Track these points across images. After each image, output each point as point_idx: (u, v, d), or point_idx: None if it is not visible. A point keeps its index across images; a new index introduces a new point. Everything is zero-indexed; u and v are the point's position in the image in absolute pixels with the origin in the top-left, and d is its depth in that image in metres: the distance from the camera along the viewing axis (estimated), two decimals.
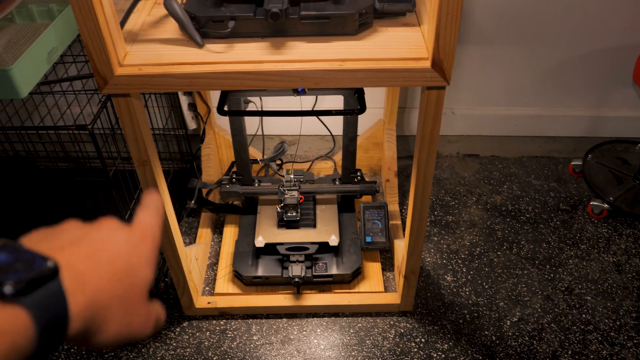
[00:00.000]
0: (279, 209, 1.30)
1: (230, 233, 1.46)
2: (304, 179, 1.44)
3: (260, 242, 1.28)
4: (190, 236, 1.50)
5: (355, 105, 1.18)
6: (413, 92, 1.59)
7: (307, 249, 1.27)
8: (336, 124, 1.61)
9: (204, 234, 1.47)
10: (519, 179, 1.65)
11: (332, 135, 1.64)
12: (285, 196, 1.30)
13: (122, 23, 0.93)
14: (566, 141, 1.67)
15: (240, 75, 0.85)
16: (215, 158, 1.60)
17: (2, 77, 1.00)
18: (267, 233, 1.31)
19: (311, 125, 1.62)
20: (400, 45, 0.89)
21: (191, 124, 1.55)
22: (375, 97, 1.56)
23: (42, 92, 1.28)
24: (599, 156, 1.63)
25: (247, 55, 0.87)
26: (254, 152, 1.59)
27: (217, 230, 1.51)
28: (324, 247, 1.29)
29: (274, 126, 1.63)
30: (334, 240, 1.28)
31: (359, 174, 1.39)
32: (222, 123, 1.59)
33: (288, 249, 1.27)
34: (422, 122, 0.93)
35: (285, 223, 1.34)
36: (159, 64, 0.86)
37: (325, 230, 1.32)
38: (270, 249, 1.29)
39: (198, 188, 1.40)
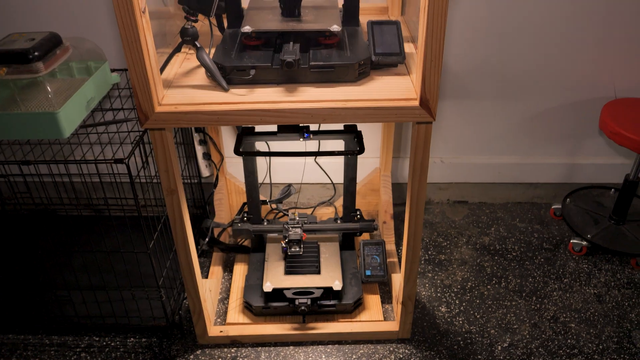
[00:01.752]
0: (283, 244, 1.43)
1: (240, 270, 1.58)
2: (307, 220, 1.58)
3: (268, 287, 1.39)
4: (203, 274, 1.61)
5: (355, 147, 1.34)
6: (406, 143, 1.76)
7: (312, 292, 1.38)
8: (336, 172, 1.77)
9: (215, 271, 1.58)
10: (505, 222, 1.79)
11: (332, 183, 1.80)
12: (290, 232, 1.43)
13: (161, 70, 1.10)
14: (547, 187, 1.83)
15: (260, 112, 1.01)
16: (227, 203, 1.74)
17: (51, 119, 1.16)
18: (275, 279, 1.42)
19: (313, 174, 1.78)
20: (393, 89, 1.06)
21: (205, 172, 1.71)
22: (372, 147, 1.73)
23: (82, 133, 1.44)
24: (577, 200, 1.79)
25: (266, 97, 1.04)
26: (263, 197, 1.74)
27: (227, 269, 1.63)
28: (328, 290, 1.40)
29: (280, 174, 1.78)
30: (337, 285, 1.38)
31: (358, 213, 1.53)
32: (234, 171, 1.75)
33: (295, 293, 1.38)
34: (414, 153, 1.09)
35: (291, 269, 1.45)
36: (191, 104, 1.02)
37: (330, 276, 1.43)
38: (277, 293, 1.40)
39: (211, 228, 1.54)
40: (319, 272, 1.45)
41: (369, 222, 1.51)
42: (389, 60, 1.11)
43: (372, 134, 1.71)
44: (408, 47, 1.21)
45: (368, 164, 1.75)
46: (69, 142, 1.61)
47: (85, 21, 1.53)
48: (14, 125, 1.20)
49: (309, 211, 1.78)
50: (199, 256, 1.68)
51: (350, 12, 1.23)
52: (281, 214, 1.74)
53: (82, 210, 1.67)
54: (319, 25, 1.09)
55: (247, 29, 1.07)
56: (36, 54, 1.20)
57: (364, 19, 1.39)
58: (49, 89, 1.22)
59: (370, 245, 1.50)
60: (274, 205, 1.73)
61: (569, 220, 1.73)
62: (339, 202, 1.78)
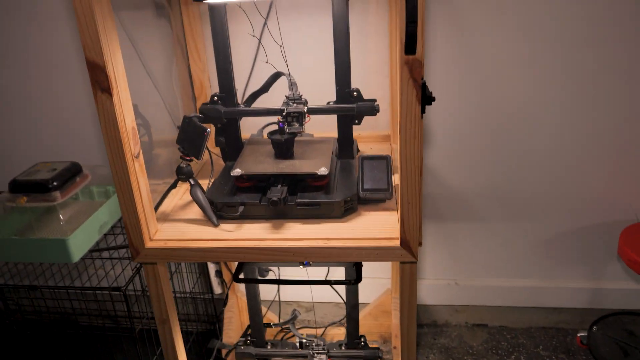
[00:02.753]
0: None
1: None
2: (315, 343, 1.55)
3: None
4: None
5: (353, 276, 1.33)
6: (418, 262, 1.73)
7: None
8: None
9: None
10: (527, 349, 1.69)
11: (345, 302, 1.77)
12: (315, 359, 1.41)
13: (157, 207, 1.17)
14: (572, 312, 1.73)
15: (244, 250, 1.04)
16: (237, 321, 1.74)
17: (60, 245, 1.23)
18: None
19: (325, 292, 1.76)
20: (378, 226, 1.07)
21: (217, 289, 1.73)
22: (383, 268, 1.71)
23: (89, 257, 1.51)
24: (605, 327, 1.67)
25: (251, 234, 1.07)
26: (272, 316, 1.73)
27: None
28: None
29: (291, 293, 1.78)
30: None
31: (362, 340, 1.49)
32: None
33: None
34: (401, 292, 1.07)
35: None
36: (181, 240, 1.07)
37: None
38: None
39: (217, 348, 1.53)
40: None
41: (374, 350, 1.47)
42: (376, 196, 1.12)
43: None
44: None
45: (380, 284, 1.73)
46: (76, 267, 1.67)
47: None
48: (28, 249, 1.28)
49: (319, 331, 1.75)
50: None
51: (344, 146, 1.27)
52: (289, 334, 1.71)
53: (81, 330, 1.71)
54: (307, 168, 1.13)
55: (237, 172, 1.12)
56: (55, 183, 1.30)
57: (366, 147, 1.44)
58: (61, 217, 1.31)
59: None
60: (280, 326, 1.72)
61: (596, 351, 1.61)
62: None
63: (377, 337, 1.76)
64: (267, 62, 1.20)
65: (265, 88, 1.25)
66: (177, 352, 1.19)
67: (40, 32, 1.51)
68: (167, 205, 1.20)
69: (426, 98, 0.88)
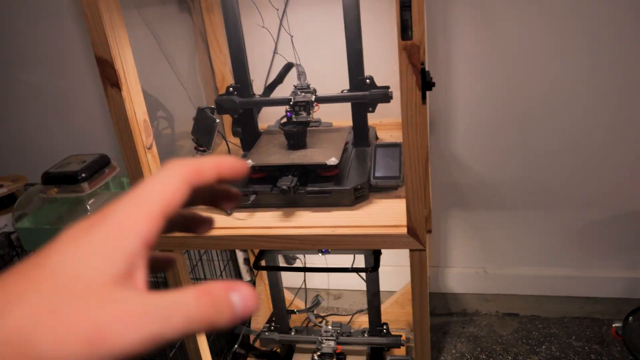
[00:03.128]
0: (316, 357, 1.42)
1: None
2: (340, 330, 1.56)
3: None
4: None
5: (371, 263, 1.33)
6: (445, 251, 1.71)
7: None
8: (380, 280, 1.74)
9: None
10: (559, 339, 1.64)
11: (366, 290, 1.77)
12: (323, 345, 1.43)
13: None
14: (608, 302, 1.66)
15: (254, 238, 1.05)
16: (265, 307, 1.77)
17: None
18: None
19: (353, 280, 1.77)
20: (387, 214, 1.06)
21: (245, 276, 1.77)
22: (401, 257, 1.70)
23: None
24: None
25: (262, 222, 1.08)
26: (299, 303, 1.75)
27: None
28: None
29: (319, 281, 1.80)
30: None
31: (385, 327, 1.49)
32: None
33: None
34: (412, 280, 1.07)
35: None
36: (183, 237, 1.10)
37: None
38: None
39: (243, 334, 1.57)
40: None
41: (396, 338, 1.46)
42: (387, 184, 1.12)
43: None
44: None
45: (407, 272, 1.71)
46: None
47: None
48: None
49: (346, 318, 1.76)
50: (234, 359, 1.70)
51: (359, 134, 1.27)
52: (316, 320, 1.73)
53: None
54: (318, 158, 1.13)
55: (248, 162, 1.14)
56: (83, 175, 1.36)
57: (386, 134, 1.42)
58: (89, 207, 1.37)
59: None
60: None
61: (630, 342, 1.54)
62: (382, 308, 1.74)
63: (405, 325, 1.75)
64: (276, 53, 1.21)
65: (279, 79, 1.26)
66: (197, 338, 1.23)
67: (62, 31, 1.58)
68: None
69: (426, 84, 0.86)
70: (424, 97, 0.88)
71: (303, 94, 1.15)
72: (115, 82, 0.95)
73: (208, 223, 0.37)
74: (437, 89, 1.47)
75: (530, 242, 1.63)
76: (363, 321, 1.76)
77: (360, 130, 1.26)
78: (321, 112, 1.30)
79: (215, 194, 0.37)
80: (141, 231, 0.28)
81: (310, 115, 1.14)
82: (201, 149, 1.14)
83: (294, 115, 1.14)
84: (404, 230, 1.00)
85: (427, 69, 0.90)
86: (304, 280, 1.77)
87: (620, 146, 1.45)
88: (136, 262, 0.27)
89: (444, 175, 1.57)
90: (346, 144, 1.26)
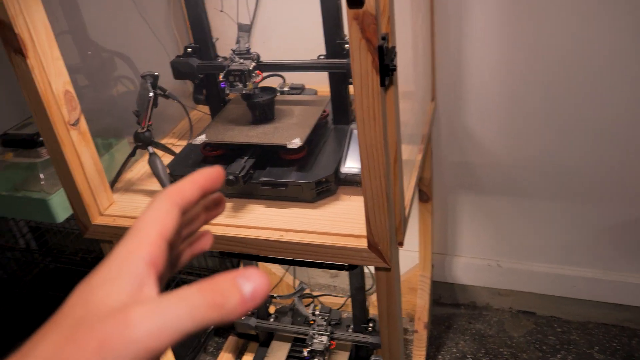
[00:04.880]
0: (305, 354, 1.28)
1: None
2: (329, 317, 1.41)
3: None
4: (214, 357, 1.53)
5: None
6: (453, 238, 1.50)
7: None
8: None
9: (224, 358, 1.49)
10: (578, 348, 1.43)
11: (371, 272, 1.60)
12: (314, 340, 1.29)
13: (116, 178, 1.05)
14: (639, 311, 1.42)
15: None
16: None
17: (42, 204, 1.18)
18: None
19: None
20: (353, 217, 0.87)
21: None
22: (412, 240, 1.51)
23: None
24: None
25: None
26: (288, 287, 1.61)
27: (240, 356, 1.53)
28: None
29: None
30: None
31: (371, 324, 1.32)
32: None
33: None
34: (379, 302, 0.89)
35: None
36: (132, 217, 0.95)
37: None
38: None
39: None
40: None
41: (379, 337, 1.30)
42: (358, 178, 0.92)
43: (411, 225, 1.48)
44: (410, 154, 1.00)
45: (410, 258, 1.52)
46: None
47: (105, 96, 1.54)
48: (14, 206, 1.24)
49: (340, 300, 1.60)
50: (215, 335, 1.60)
51: (338, 109, 1.05)
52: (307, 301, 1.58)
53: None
54: (279, 138, 0.94)
55: (200, 139, 0.96)
56: (41, 139, 1.22)
57: None
58: (41, 175, 1.24)
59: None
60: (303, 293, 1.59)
61: None
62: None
63: (405, 315, 1.58)
64: (221, 11, 0.99)
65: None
66: None
67: None
68: (134, 173, 1.09)
69: (384, 68, 0.64)
70: (383, 84, 0.66)
71: (240, 61, 0.94)
72: (17, 48, 0.78)
73: (208, 237, 0.42)
74: (448, 51, 1.22)
75: (552, 235, 1.39)
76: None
77: (340, 105, 1.05)
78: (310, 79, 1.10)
79: (206, 207, 0.41)
80: (143, 255, 0.30)
81: (247, 87, 0.94)
82: (142, 125, 0.97)
83: (228, 87, 0.95)
84: (365, 244, 0.81)
85: (392, 45, 0.68)
86: (294, 268, 1.61)
87: None
88: (144, 281, 0.29)
89: (454, 153, 1.35)
90: (324, 119, 1.06)
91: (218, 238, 0.88)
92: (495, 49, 1.18)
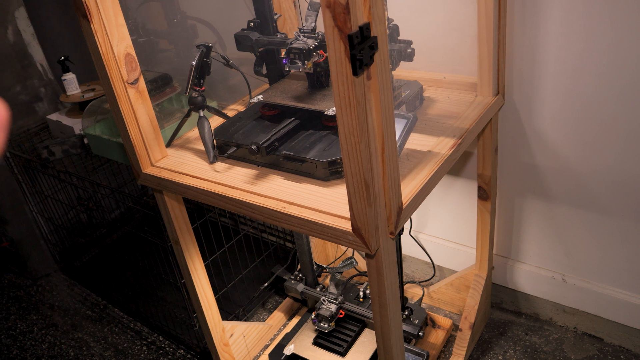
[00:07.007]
0: (313, 316, 1.35)
1: (294, 324, 1.55)
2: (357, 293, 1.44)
3: (289, 350, 1.35)
4: (263, 316, 1.64)
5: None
6: (518, 243, 1.41)
7: None
8: (442, 256, 1.55)
9: (275, 317, 1.60)
10: None
11: (432, 263, 1.58)
12: (322, 306, 1.34)
13: (174, 136, 1.17)
14: None
15: (214, 195, 0.98)
16: (322, 250, 1.71)
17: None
18: (300, 345, 1.37)
19: (412, 247, 1.59)
20: None
21: None
22: (469, 238, 1.45)
23: None
24: None
25: (230, 179, 1.00)
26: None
27: (290, 318, 1.62)
28: None
29: None
30: None
31: (406, 312, 1.32)
32: None
33: None
34: (370, 287, 0.90)
35: (320, 340, 1.37)
36: (173, 171, 1.06)
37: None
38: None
39: (275, 275, 1.55)
40: (343, 354, 1.33)
41: (416, 327, 1.29)
42: None
43: (468, 220, 1.42)
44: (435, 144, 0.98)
45: (471, 254, 1.47)
46: None
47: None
48: (111, 149, 1.45)
49: None
50: (276, 294, 1.71)
51: None
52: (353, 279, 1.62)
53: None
54: (320, 105, 0.98)
55: (257, 98, 1.05)
56: None
57: (443, 95, 1.18)
58: None
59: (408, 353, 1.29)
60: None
61: None
62: (436, 287, 1.56)
63: (457, 310, 1.54)
64: None
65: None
66: (191, 270, 1.23)
67: None
68: (195, 132, 1.20)
69: (354, 60, 0.65)
70: (355, 73, 0.67)
71: (304, 39, 0.98)
72: (84, 13, 0.92)
73: None
74: (522, 47, 1.14)
75: (625, 258, 1.24)
76: (414, 293, 1.60)
77: None
78: None
79: None
80: None
81: (306, 65, 0.98)
82: (197, 88, 1.07)
83: (289, 64, 0.99)
84: (349, 227, 0.83)
85: (372, 34, 0.67)
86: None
87: None
88: None
89: (523, 155, 1.26)
90: None
91: (230, 200, 0.96)
92: (574, 50, 1.08)
